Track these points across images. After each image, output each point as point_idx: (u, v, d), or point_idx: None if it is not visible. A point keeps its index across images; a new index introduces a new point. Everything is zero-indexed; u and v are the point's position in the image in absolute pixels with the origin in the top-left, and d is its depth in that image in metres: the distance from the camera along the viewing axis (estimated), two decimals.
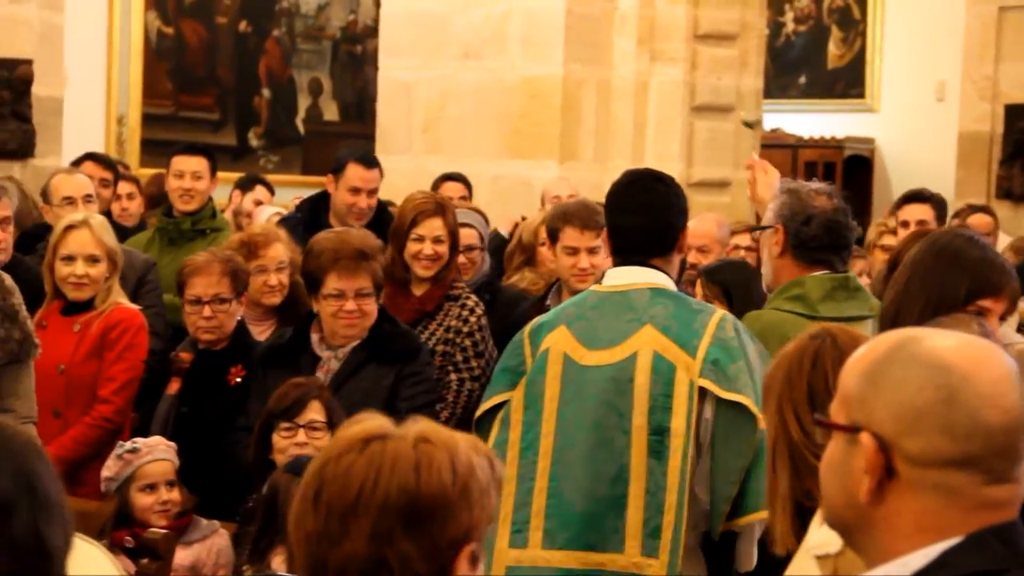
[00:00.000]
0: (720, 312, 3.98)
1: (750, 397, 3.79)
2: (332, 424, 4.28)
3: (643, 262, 4.01)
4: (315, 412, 4.32)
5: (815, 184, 4.37)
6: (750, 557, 3.87)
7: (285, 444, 4.31)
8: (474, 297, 5.44)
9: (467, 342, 5.28)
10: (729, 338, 3.86)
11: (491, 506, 2.02)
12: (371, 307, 4.74)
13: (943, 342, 1.87)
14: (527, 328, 4.13)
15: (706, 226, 6.74)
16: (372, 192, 6.29)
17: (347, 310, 4.68)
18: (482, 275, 5.96)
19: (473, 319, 5.31)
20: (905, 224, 6.88)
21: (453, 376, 5.22)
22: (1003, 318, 3.60)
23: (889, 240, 6.88)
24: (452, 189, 7.78)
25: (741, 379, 3.82)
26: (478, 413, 4.13)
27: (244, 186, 8.04)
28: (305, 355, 4.77)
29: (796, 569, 2.71)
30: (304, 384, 4.42)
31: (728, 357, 3.83)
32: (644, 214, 4.02)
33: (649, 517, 3.85)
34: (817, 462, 2.73)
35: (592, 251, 5.30)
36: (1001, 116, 12.91)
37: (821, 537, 2.67)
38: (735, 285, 5.14)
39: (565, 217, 5.39)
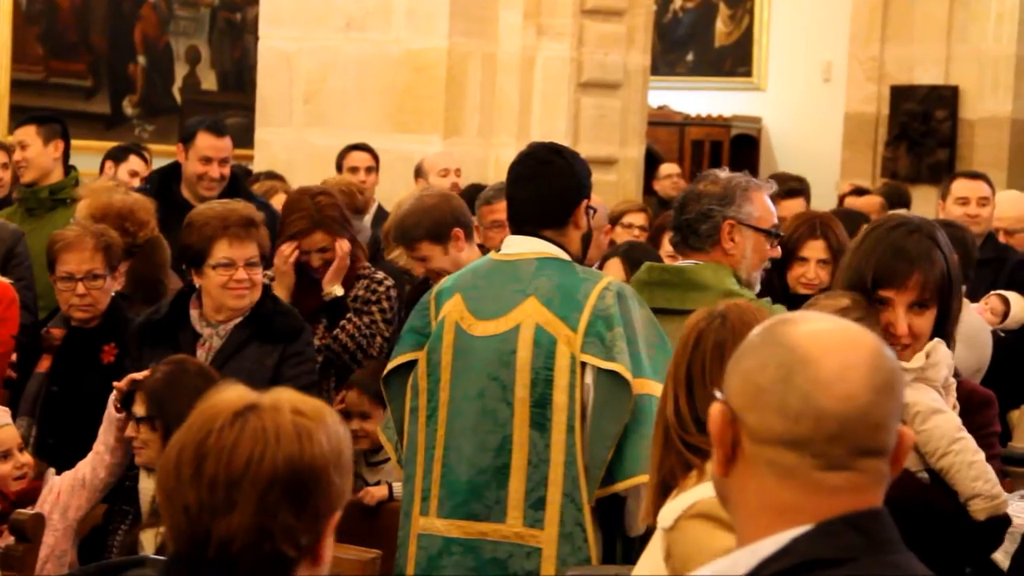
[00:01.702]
0: (605, 280, 4.01)
1: (625, 364, 3.87)
2: (158, 416, 4.19)
3: (535, 233, 4.07)
4: (138, 404, 4.24)
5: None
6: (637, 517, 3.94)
7: (127, 433, 4.32)
8: (382, 273, 5.50)
9: (373, 308, 5.35)
10: (608, 306, 3.92)
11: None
12: (259, 277, 4.74)
13: (806, 326, 1.90)
14: (434, 290, 4.22)
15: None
16: (224, 161, 6.29)
17: (237, 279, 4.66)
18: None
19: (382, 289, 5.40)
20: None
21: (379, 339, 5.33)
22: (948, 318, 3.43)
23: None
24: (359, 159, 7.79)
25: (617, 346, 3.89)
26: (385, 372, 4.23)
27: (117, 156, 7.93)
28: (184, 331, 4.73)
29: (652, 544, 2.79)
30: (150, 372, 4.30)
31: (606, 326, 3.90)
32: (537, 185, 4.09)
33: (531, 488, 3.94)
34: (681, 445, 2.80)
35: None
36: (887, 97, 13.14)
37: (665, 512, 2.75)
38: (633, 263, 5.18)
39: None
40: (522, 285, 4.00)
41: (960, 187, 7.04)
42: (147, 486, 4.31)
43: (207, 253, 4.63)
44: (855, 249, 3.49)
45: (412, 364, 4.14)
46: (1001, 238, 6.99)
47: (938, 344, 3.39)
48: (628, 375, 3.84)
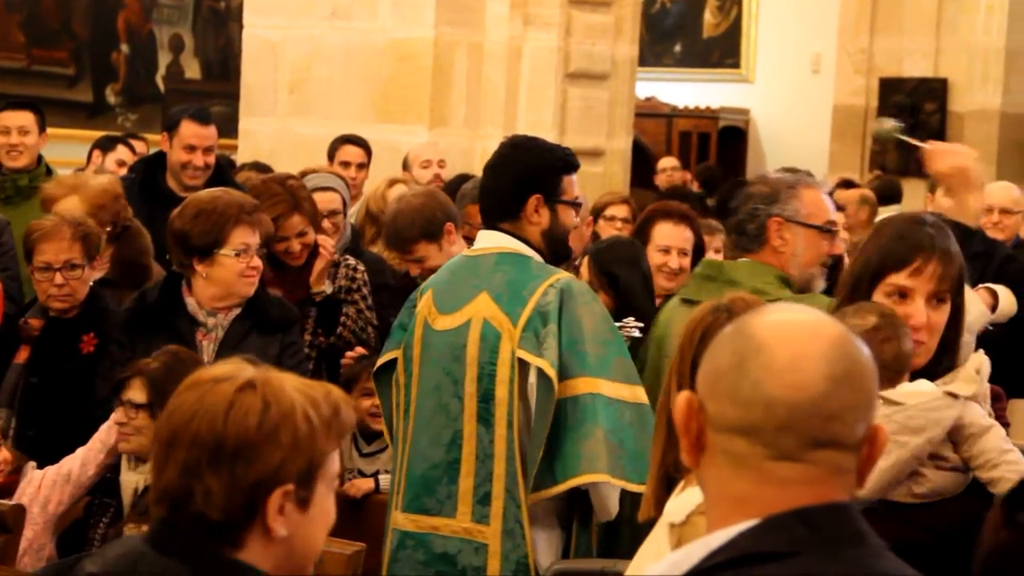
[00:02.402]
0: (554, 277, 4.00)
1: (550, 360, 3.88)
2: (158, 404, 4.18)
3: (493, 226, 4.10)
4: (135, 390, 4.22)
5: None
6: (605, 509, 3.96)
7: (113, 419, 4.29)
8: (352, 258, 5.49)
9: (356, 296, 5.39)
10: (547, 303, 3.93)
11: (319, 452, 2.21)
12: (262, 264, 4.74)
13: (771, 316, 1.90)
14: (421, 286, 4.27)
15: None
16: (208, 150, 6.27)
17: (253, 266, 4.64)
18: (345, 240, 5.94)
19: (359, 275, 5.43)
20: None
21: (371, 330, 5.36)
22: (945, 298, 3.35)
23: None
24: (352, 154, 7.72)
25: (547, 342, 3.90)
26: (374, 368, 4.28)
27: (105, 146, 7.90)
28: (182, 320, 4.67)
29: (653, 536, 2.79)
30: (146, 360, 4.30)
31: (542, 322, 3.92)
32: (492, 178, 4.14)
33: (479, 483, 3.97)
34: None
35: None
36: (876, 90, 13.16)
37: (673, 506, 2.74)
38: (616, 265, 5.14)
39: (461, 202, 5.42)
40: (479, 280, 4.04)
41: None
42: (129, 479, 4.28)
43: (223, 239, 4.59)
44: (867, 240, 3.45)
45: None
46: (995, 217, 6.99)
47: (982, 356, 3.37)
48: (551, 372, 3.86)
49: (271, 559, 2.21)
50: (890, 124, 7.18)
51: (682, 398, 1.89)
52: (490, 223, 4.12)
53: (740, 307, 2.91)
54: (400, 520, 4.09)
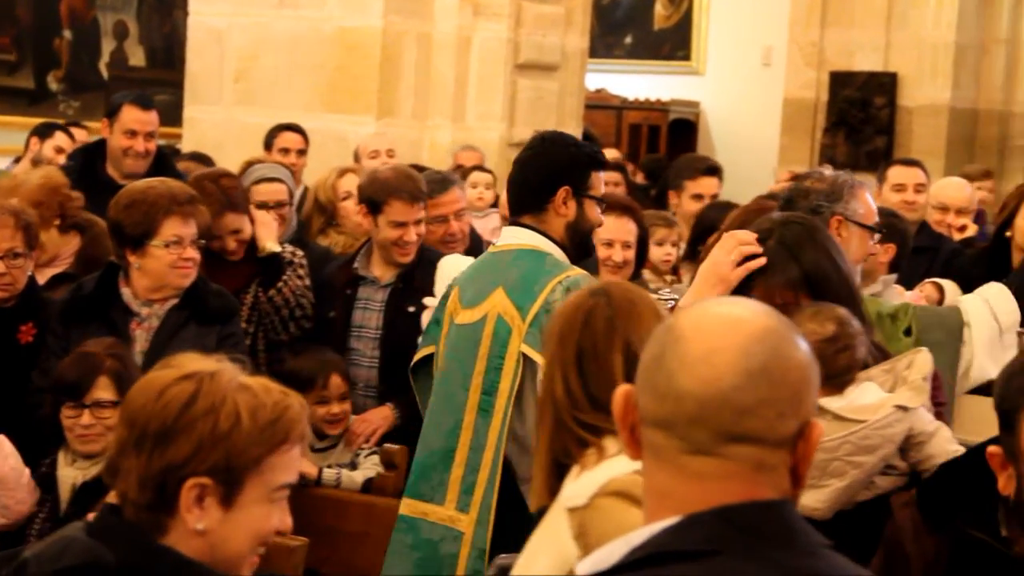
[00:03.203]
0: (565, 274, 4.07)
1: None
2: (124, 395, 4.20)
3: (517, 219, 4.19)
4: (102, 390, 4.21)
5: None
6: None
7: (71, 424, 4.24)
8: (290, 246, 5.48)
9: (301, 271, 5.40)
10: (554, 301, 3.96)
11: (241, 453, 2.23)
12: (198, 256, 4.70)
13: (699, 309, 1.91)
14: (452, 281, 4.37)
15: None
16: (149, 136, 6.24)
17: (186, 258, 4.63)
18: (291, 231, 5.93)
19: (296, 258, 5.43)
20: (700, 197, 7.09)
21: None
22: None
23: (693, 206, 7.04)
24: (290, 141, 7.72)
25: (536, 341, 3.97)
26: (412, 363, 4.39)
27: (42, 133, 7.84)
28: (117, 310, 4.67)
29: (549, 522, 2.79)
30: (91, 356, 4.29)
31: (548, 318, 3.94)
32: (518, 171, 4.23)
33: (467, 473, 4.05)
34: (575, 423, 2.81)
35: (419, 223, 5.36)
36: (826, 83, 13.22)
37: (572, 490, 2.75)
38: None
39: (390, 189, 5.37)
40: (497, 275, 4.12)
41: (897, 174, 7.11)
42: (67, 474, 4.25)
43: (154, 231, 4.58)
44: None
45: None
46: (951, 219, 7.05)
47: (927, 360, 3.40)
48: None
49: (192, 552, 2.24)
50: None
51: (620, 392, 1.90)
52: (515, 216, 4.22)
53: (618, 292, 2.92)
54: (402, 503, 4.21)
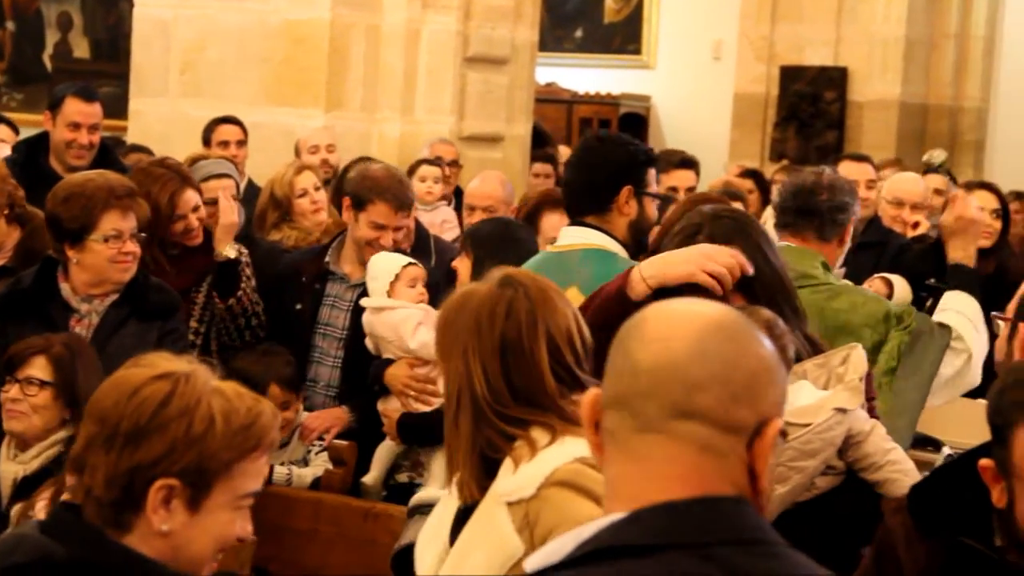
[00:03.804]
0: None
1: None
2: (62, 384, 4.17)
3: (579, 221, 4.25)
4: (37, 368, 4.20)
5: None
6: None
7: (3, 398, 4.23)
8: (236, 244, 5.43)
9: (250, 273, 5.34)
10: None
11: (213, 456, 2.23)
12: (138, 250, 4.66)
13: (666, 303, 1.93)
14: None
15: (490, 186, 6.70)
16: (93, 128, 6.21)
17: (126, 252, 4.59)
18: (240, 226, 5.90)
19: (244, 259, 5.37)
20: (674, 190, 7.06)
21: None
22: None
23: None
24: (229, 132, 7.68)
25: None
26: None
27: None
28: (55, 305, 4.62)
29: (483, 518, 2.78)
30: (42, 337, 4.28)
31: None
32: (579, 172, 4.30)
33: None
34: (497, 417, 2.81)
35: (398, 229, 5.34)
36: (776, 78, 13.29)
37: (513, 483, 2.75)
38: (485, 240, 5.13)
39: (378, 191, 5.35)
40: (568, 275, 4.10)
41: (847, 170, 7.13)
42: (8, 469, 4.22)
43: (93, 225, 4.54)
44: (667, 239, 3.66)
45: None
46: (905, 214, 7.08)
47: (862, 359, 3.43)
48: None
49: (153, 552, 2.24)
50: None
51: (590, 394, 1.90)
52: (575, 217, 4.26)
53: (530, 282, 2.92)
54: None
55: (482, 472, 2.83)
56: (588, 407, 1.90)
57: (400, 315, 5.00)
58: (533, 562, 1.87)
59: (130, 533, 2.24)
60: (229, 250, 5.28)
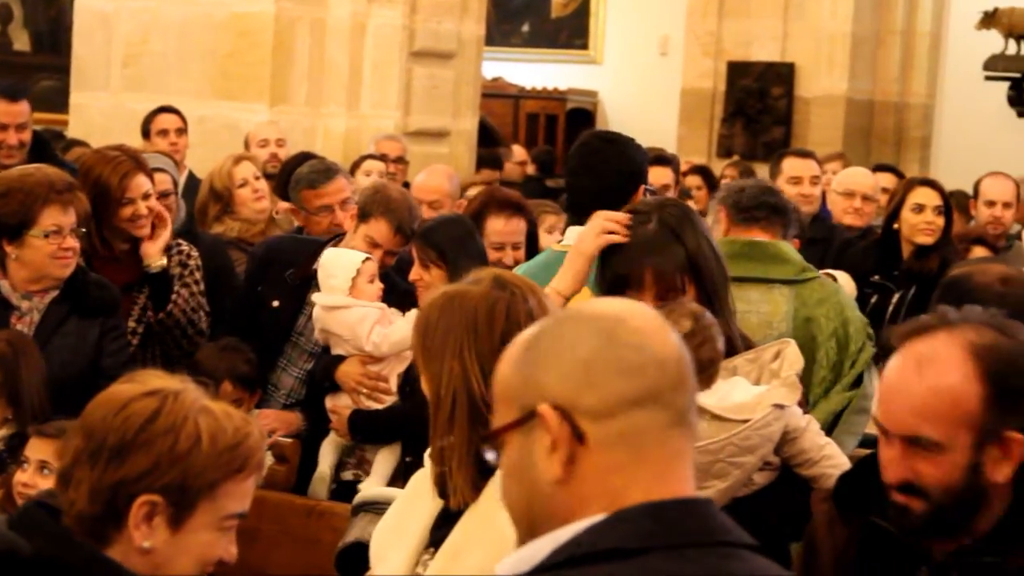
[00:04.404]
0: None
1: None
2: (4, 382, 4.16)
3: (582, 221, 4.17)
4: None
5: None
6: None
7: None
8: (186, 243, 5.38)
9: (189, 280, 5.24)
10: None
11: (198, 475, 2.24)
12: (78, 245, 4.64)
13: (590, 306, 1.94)
14: None
15: (436, 180, 6.68)
16: (21, 127, 6.18)
17: (66, 247, 4.55)
18: (180, 221, 5.87)
19: (192, 261, 5.29)
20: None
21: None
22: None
23: None
24: (168, 121, 7.64)
25: None
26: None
27: None
28: None
29: (482, 517, 2.77)
30: None
31: None
32: (596, 174, 4.28)
33: None
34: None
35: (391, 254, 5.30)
36: (724, 73, 13.35)
37: None
38: (450, 243, 5.14)
39: (386, 209, 5.26)
40: None
41: (792, 166, 7.19)
42: None
43: (32, 220, 4.50)
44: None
45: None
46: (856, 203, 7.12)
47: (797, 356, 3.46)
48: None
49: (135, 567, 2.25)
50: None
51: (548, 411, 1.84)
52: (581, 217, 4.18)
53: (519, 283, 2.92)
54: None
55: (476, 474, 2.82)
56: (558, 427, 1.83)
57: (357, 314, 4.99)
58: (505, 566, 1.86)
59: (110, 548, 2.25)
60: (161, 260, 5.19)
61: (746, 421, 3.27)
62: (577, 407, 1.82)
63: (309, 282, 5.30)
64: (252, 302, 5.39)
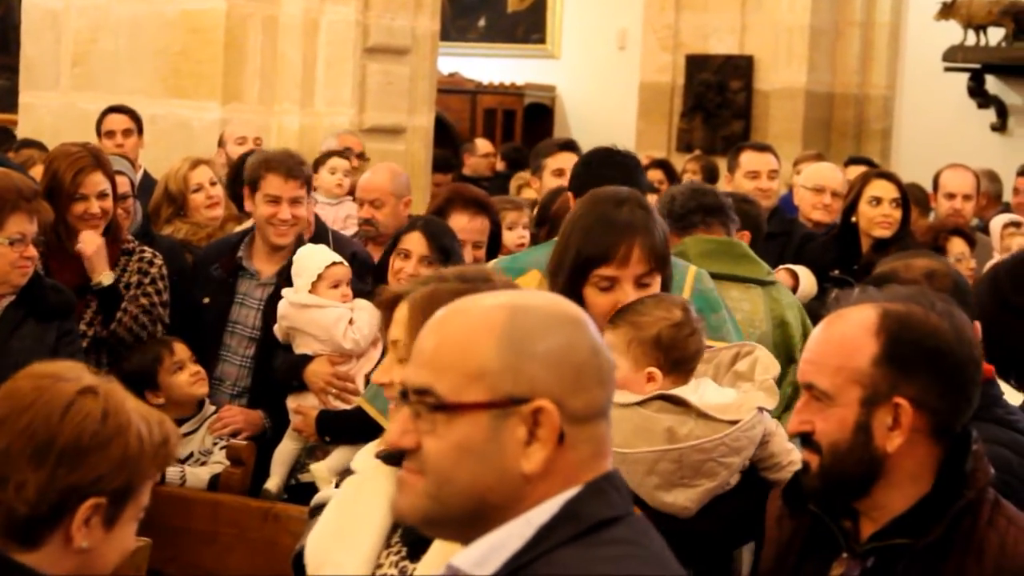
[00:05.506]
0: (694, 267, 4.15)
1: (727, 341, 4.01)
2: None
3: None
4: None
5: None
6: None
7: None
8: (150, 249, 5.37)
9: (150, 289, 5.25)
10: (708, 289, 4.08)
11: (140, 475, 2.27)
12: (36, 254, 4.63)
13: (557, 302, 2.01)
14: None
15: (378, 178, 6.68)
16: None
17: (27, 256, 4.55)
18: (137, 224, 5.86)
19: (154, 269, 5.30)
20: (560, 172, 7.13)
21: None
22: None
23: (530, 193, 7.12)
24: (115, 122, 7.62)
25: (724, 328, 4.02)
26: None
27: None
28: None
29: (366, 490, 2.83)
30: None
31: (709, 308, 4.00)
32: (593, 179, 4.27)
33: None
34: None
35: (295, 201, 5.30)
36: (682, 67, 13.38)
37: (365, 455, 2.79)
38: (449, 236, 5.18)
39: (267, 165, 5.35)
40: None
41: (750, 160, 7.21)
42: None
43: None
44: (569, 225, 3.57)
45: None
46: (826, 199, 7.14)
47: (772, 362, 3.49)
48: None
49: (64, 569, 2.26)
50: None
51: (551, 407, 1.91)
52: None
53: (473, 273, 2.93)
54: None
55: None
56: (557, 423, 1.91)
57: (332, 315, 5.02)
58: (462, 559, 1.92)
59: (38, 550, 2.25)
60: (106, 278, 5.18)
61: (734, 422, 3.30)
62: (565, 409, 1.91)
63: (235, 273, 5.35)
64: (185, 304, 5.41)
